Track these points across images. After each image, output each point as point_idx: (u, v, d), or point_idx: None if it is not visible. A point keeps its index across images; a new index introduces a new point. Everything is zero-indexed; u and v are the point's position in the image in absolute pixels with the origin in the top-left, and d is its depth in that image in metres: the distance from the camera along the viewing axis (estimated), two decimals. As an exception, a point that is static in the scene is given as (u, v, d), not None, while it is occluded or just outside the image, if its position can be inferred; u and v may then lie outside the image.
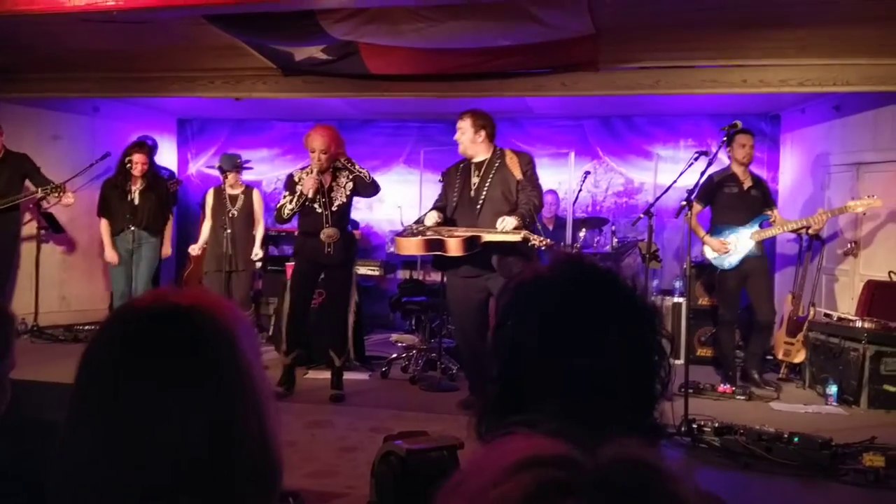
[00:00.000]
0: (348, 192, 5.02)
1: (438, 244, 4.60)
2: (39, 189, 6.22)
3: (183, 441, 0.81)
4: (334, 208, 4.96)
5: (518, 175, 4.69)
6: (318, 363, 5.88)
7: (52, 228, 7.15)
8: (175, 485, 0.80)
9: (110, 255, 6.22)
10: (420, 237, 4.71)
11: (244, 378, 0.87)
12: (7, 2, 4.59)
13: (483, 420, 1.01)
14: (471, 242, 4.51)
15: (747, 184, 5.65)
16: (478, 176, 4.79)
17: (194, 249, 6.37)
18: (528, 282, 1.05)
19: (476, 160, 4.81)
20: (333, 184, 4.99)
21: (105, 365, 0.85)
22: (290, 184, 5.03)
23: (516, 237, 4.44)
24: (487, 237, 4.53)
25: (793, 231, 5.75)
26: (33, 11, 4.59)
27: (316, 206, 4.94)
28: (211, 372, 0.85)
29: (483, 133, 4.75)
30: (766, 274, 5.75)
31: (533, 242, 4.38)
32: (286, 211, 4.95)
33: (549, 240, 4.47)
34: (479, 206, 4.73)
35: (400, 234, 4.99)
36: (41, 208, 6.92)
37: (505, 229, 4.47)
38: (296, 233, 5.37)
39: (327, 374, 5.26)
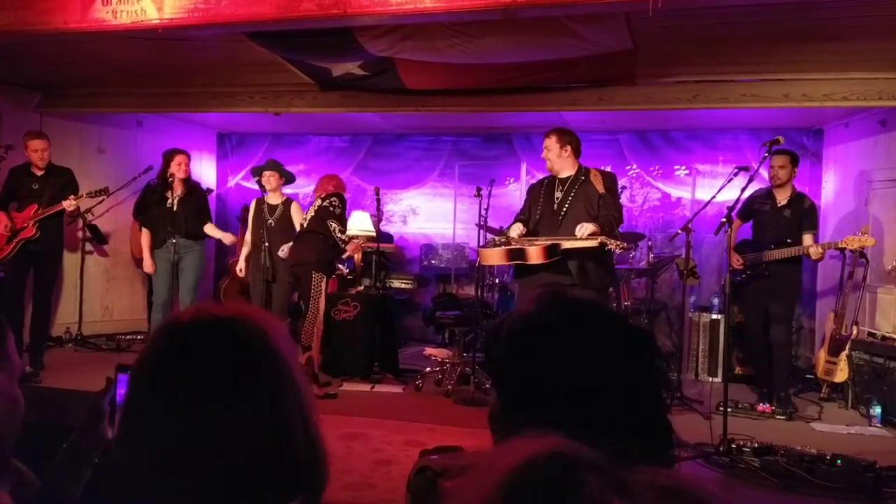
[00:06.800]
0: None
1: (520, 253, 4.63)
2: (84, 194, 6.23)
3: (233, 448, 0.83)
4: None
5: (601, 189, 4.71)
6: (351, 375, 5.99)
7: (95, 240, 7.31)
8: (228, 490, 0.83)
9: (148, 265, 6.22)
10: (502, 247, 4.74)
11: (287, 383, 0.89)
12: (56, 20, 4.73)
13: (492, 421, 1.04)
14: (551, 250, 4.53)
15: (782, 202, 5.55)
16: (561, 191, 4.83)
17: (241, 271, 6.39)
18: (514, 324, 1.05)
19: (561, 176, 4.84)
20: None
21: (153, 380, 0.88)
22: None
23: (593, 243, 4.44)
24: (567, 244, 4.55)
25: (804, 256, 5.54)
26: (81, 29, 4.70)
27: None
28: (255, 380, 0.87)
29: (569, 149, 4.81)
30: (782, 293, 5.52)
31: (609, 246, 4.42)
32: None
33: (624, 243, 4.48)
34: (560, 219, 4.75)
35: (483, 246, 5.05)
36: (85, 220, 7.06)
37: (582, 235, 4.46)
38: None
39: (361, 387, 5.35)
